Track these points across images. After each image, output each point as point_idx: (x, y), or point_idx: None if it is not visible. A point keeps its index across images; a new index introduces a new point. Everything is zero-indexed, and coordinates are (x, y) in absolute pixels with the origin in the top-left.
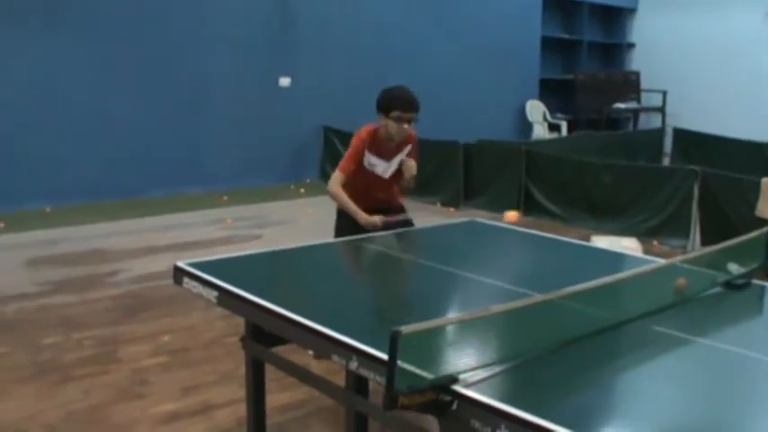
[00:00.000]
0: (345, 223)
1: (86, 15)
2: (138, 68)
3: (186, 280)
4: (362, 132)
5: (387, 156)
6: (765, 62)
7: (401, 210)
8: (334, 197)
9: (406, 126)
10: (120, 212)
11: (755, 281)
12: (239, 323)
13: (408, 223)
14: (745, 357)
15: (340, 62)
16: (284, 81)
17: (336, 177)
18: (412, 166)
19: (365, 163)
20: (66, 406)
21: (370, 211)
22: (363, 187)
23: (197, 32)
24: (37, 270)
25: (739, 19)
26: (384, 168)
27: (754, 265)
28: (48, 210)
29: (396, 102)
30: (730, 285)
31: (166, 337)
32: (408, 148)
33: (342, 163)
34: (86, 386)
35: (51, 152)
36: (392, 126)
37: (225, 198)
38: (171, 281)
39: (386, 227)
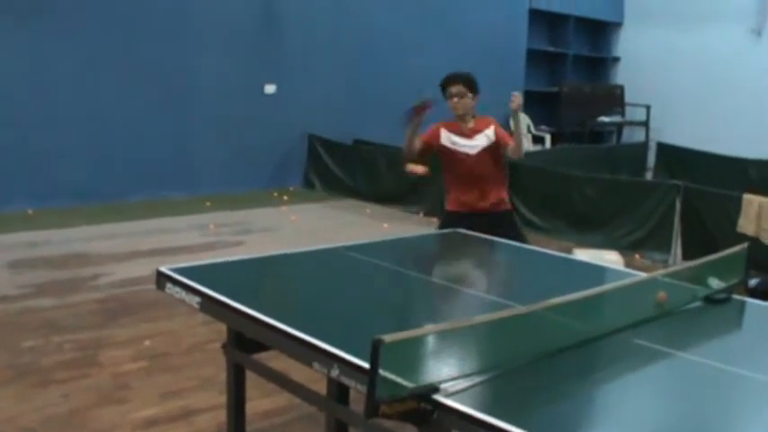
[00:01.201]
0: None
1: (73, 20)
2: (124, 73)
3: (169, 285)
4: (441, 121)
5: (466, 135)
6: (749, 78)
7: (509, 216)
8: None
9: (455, 99)
10: (103, 216)
11: (735, 296)
12: (221, 329)
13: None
14: (723, 372)
15: (326, 70)
16: (269, 88)
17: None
18: (513, 139)
19: (447, 142)
20: (46, 409)
21: (478, 212)
22: (463, 171)
23: (184, 38)
24: (18, 272)
25: (724, 35)
26: (467, 146)
27: (735, 281)
28: (30, 212)
29: (444, 80)
30: (710, 300)
31: (148, 342)
32: (490, 130)
33: None
34: (66, 390)
35: (34, 154)
36: (448, 103)
37: (208, 204)
38: (153, 286)
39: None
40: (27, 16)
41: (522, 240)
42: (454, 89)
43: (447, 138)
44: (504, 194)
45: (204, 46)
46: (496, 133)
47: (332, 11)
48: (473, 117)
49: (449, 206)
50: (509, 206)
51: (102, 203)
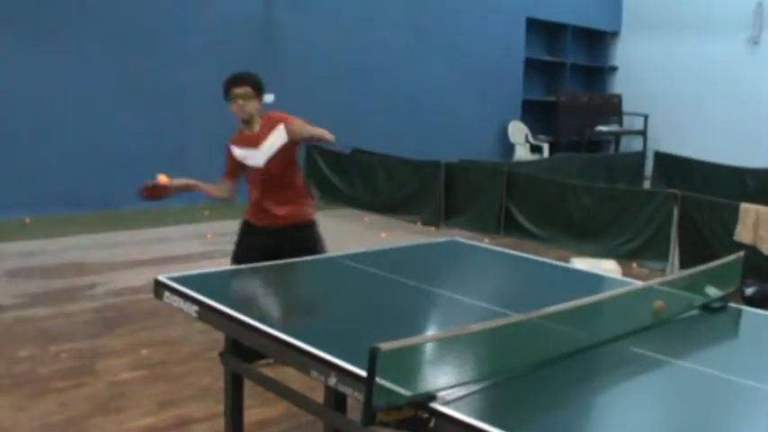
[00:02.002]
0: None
1: (70, 30)
2: (122, 81)
3: (167, 294)
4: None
5: (252, 143)
6: (747, 88)
7: (309, 227)
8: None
9: (240, 102)
10: (100, 225)
11: (732, 304)
12: (218, 338)
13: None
14: (720, 380)
15: (324, 80)
16: (268, 97)
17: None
18: (299, 126)
19: (240, 158)
20: (42, 418)
21: (278, 224)
22: (257, 189)
23: (181, 46)
24: (15, 282)
25: (721, 44)
26: (255, 156)
27: (731, 289)
28: (27, 221)
29: (225, 83)
30: (707, 308)
31: (145, 351)
32: (279, 129)
33: None
34: (63, 399)
35: (31, 163)
36: (231, 107)
37: (206, 213)
38: (150, 294)
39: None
40: (24, 30)
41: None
42: (239, 90)
43: (239, 153)
44: (303, 203)
45: (201, 58)
46: (287, 129)
47: (330, 22)
48: (259, 118)
49: (246, 215)
50: (309, 216)
51: (100, 212)
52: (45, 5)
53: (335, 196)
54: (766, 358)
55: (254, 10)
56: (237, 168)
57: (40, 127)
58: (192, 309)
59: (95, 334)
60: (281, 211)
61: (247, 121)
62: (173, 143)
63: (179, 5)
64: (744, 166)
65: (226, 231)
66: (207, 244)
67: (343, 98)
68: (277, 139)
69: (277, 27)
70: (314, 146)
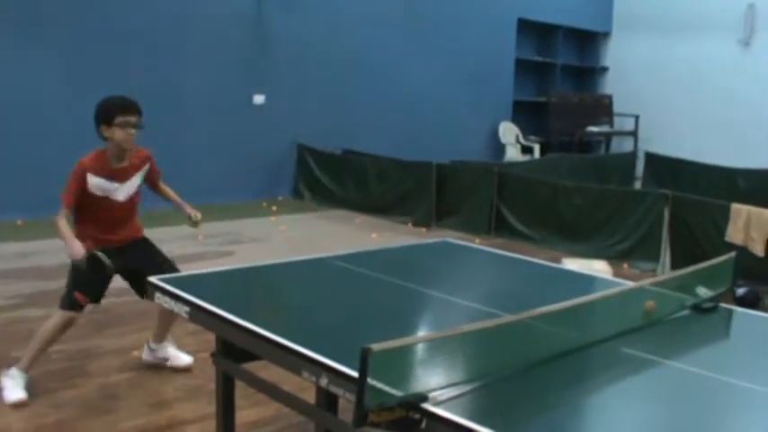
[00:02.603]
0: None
1: (63, 34)
2: (114, 83)
3: (158, 295)
4: (84, 159)
5: (121, 177)
6: (737, 88)
7: (143, 242)
8: (55, 227)
9: (132, 131)
10: None
11: (723, 304)
12: (209, 339)
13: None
14: (711, 380)
15: (315, 81)
16: (259, 98)
17: (61, 213)
18: (197, 221)
19: (94, 189)
20: (34, 419)
21: (115, 246)
22: (104, 217)
23: (173, 48)
24: (7, 283)
25: (712, 45)
26: (121, 191)
27: (722, 289)
28: (19, 222)
29: (117, 107)
30: (698, 308)
31: (136, 352)
32: (147, 167)
33: (62, 196)
34: (55, 400)
35: (24, 164)
36: (119, 134)
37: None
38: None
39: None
40: (17, 31)
41: (170, 262)
42: (134, 119)
43: (95, 184)
44: (138, 221)
45: (193, 57)
46: (150, 170)
47: (322, 23)
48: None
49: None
50: (142, 231)
51: None
52: (45, 5)
53: (326, 197)
54: (757, 359)
55: (246, 9)
56: (81, 198)
57: (32, 130)
58: (183, 309)
59: (87, 335)
60: (122, 233)
61: (123, 153)
62: (164, 142)
63: (175, 5)
64: (735, 166)
65: (217, 232)
66: (198, 245)
67: (334, 98)
68: (140, 177)
69: (270, 26)
70: (305, 146)
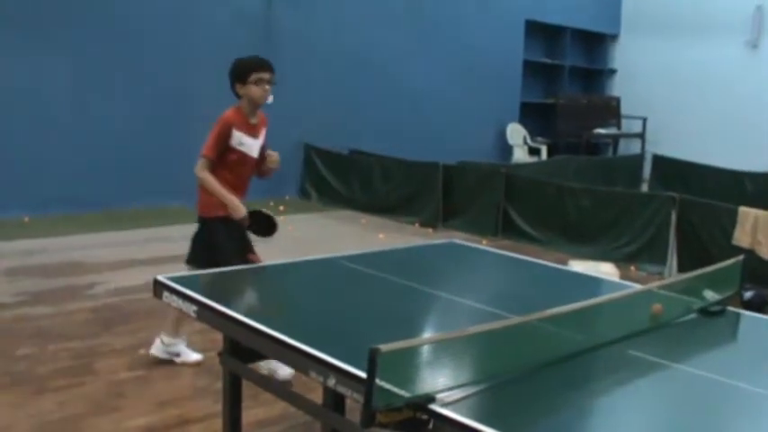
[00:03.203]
0: (208, 233)
1: (70, 28)
2: (121, 81)
3: (166, 294)
4: (227, 113)
5: (253, 132)
6: (745, 91)
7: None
8: (203, 182)
9: (267, 87)
10: (100, 224)
11: (730, 308)
12: (216, 338)
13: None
14: (718, 383)
15: (322, 81)
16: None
17: (202, 164)
18: (276, 159)
19: (236, 144)
20: (40, 417)
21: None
22: (239, 171)
23: (180, 46)
24: (14, 280)
25: (720, 48)
26: (254, 147)
27: (730, 293)
28: (26, 219)
29: (252, 65)
30: (705, 312)
31: (143, 351)
32: (265, 130)
33: (205, 149)
34: (61, 398)
35: (31, 162)
36: (255, 90)
37: None
38: (149, 294)
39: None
40: (23, 29)
41: None
42: (267, 75)
43: (237, 138)
44: None
45: (200, 56)
46: (265, 138)
47: (329, 23)
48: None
49: (219, 211)
50: None
51: (99, 212)
52: (45, 5)
53: (333, 197)
54: (764, 362)
55: (253, 9)
56: (223, 152)
57: (39, 127)
58: (191, 308)
59: (94, 333)
60: (243, 192)
61: (255, 110)
62: (172, 140)
63: (179, 4)
64: (742, 169)
65: None
66: None
67: (341, 99)
68: (264, 136)
69: (276, 26)
70: (312, 146)
